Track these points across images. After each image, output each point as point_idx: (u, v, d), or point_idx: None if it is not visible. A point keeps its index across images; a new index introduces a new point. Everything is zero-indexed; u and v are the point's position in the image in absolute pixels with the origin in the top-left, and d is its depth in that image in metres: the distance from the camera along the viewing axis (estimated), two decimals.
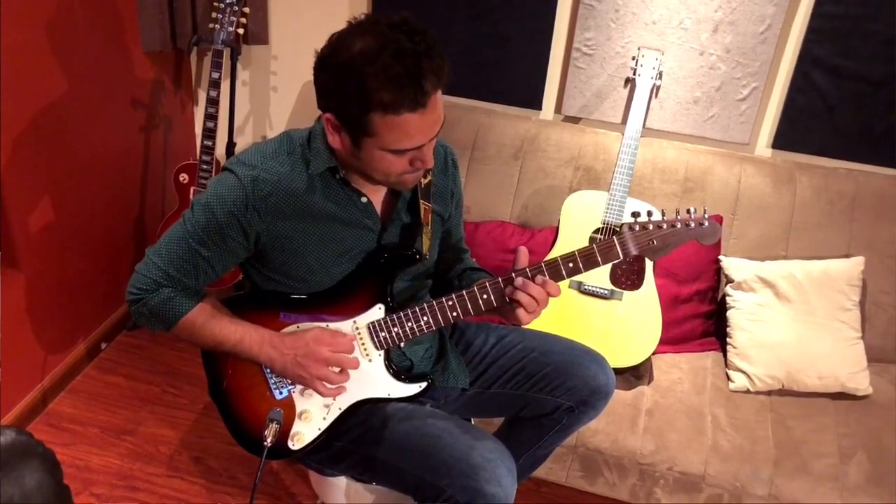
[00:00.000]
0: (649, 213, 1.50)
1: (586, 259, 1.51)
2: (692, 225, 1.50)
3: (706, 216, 1.51)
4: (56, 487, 1.26)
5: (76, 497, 1.37)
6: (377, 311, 1.59)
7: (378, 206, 1.59)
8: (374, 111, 1.34)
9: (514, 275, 1.51)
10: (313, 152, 1.50)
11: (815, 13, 2.31)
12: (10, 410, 2.36)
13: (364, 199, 1.55)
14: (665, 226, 1.49)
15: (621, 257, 1.50)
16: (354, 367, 1.58)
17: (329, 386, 1.57)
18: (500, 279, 1.52)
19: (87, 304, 2.68)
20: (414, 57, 1.32)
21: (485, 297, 1.53)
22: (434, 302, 1.55)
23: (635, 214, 1.50)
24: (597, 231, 2.26)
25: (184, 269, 1.51)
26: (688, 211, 1.51)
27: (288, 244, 1.53)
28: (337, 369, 1.57)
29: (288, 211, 1.50)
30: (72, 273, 2.55)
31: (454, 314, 1.55)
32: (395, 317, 1.58)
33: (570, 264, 1.51)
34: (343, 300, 1.59)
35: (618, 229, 1.51)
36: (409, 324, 1.57)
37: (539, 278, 1.50)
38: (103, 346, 2.78)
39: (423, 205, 1.61)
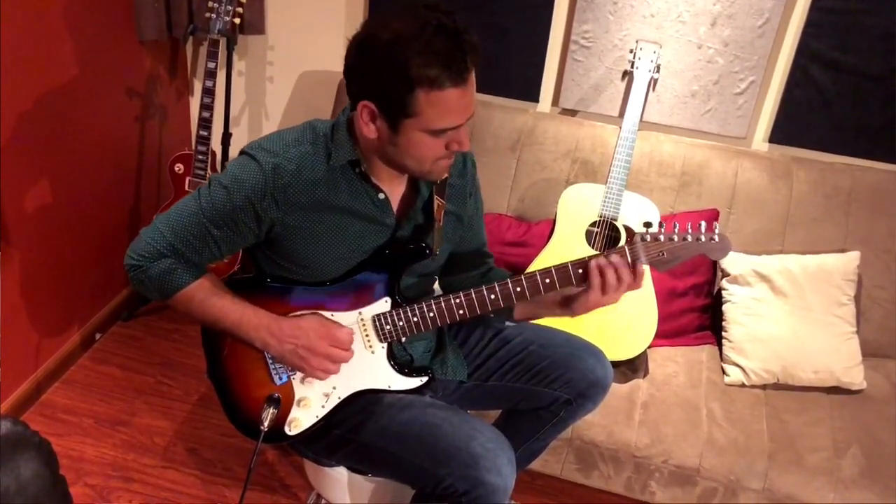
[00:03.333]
0: (661, 225, 1.50)
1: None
2: (703, 239, 1.49)
3: (717, 231, 1.51)
4: (52, 478, 1.26)
5: (70, 488, 1.36)
6: (383, 304, 1.59)
7: (395, 204, 1.58)
8: (418, 87, 1.33)
9: (523, 277, 1.51)
10: (336, 144, 1.50)
11: (814, 7, 2.30)
12: (4, 400, 2.35)
13: (382, 196, 1.54)
14: (676, 238, 1.49)
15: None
16: (348, 359, 1.58)
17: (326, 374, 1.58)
18: (508, 281, 1.52)
19: (82, 294, 2.67)
20: (455, 33, 1.33)
21: (492, 296, 1.53)
22: (441, 299, 1.55)
23: (647, 225, 1.50)
24: (593, 224, 2.26)
25: (191, 245, 1.50)
26: (699, 225, 1.50)
27: (301, 234, 1.52)
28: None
29: (305, 201, 1.49)
30: (66, 262, 2.54)
31: (461, 312, 1.55)
32: (400, 311, 1.58)
33: (580, 269, 1.51)
34: (350, 291, 1.58)
35: (629, 235, 1.51)
36: (415, 319, 1.57)
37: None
38: (98, 336, 2.77)
39: (436, 200, 1.60)
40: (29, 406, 2.46)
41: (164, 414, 2.50)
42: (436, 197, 1.60)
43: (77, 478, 2.24)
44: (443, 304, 1.55)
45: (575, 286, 1.53)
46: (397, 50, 1.32)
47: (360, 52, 1.38)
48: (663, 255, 1.50)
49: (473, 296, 1.54)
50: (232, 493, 2.25)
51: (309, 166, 1.48)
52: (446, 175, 1.61)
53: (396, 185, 1.58)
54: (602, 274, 1.48)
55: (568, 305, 1.57)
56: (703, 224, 1.51)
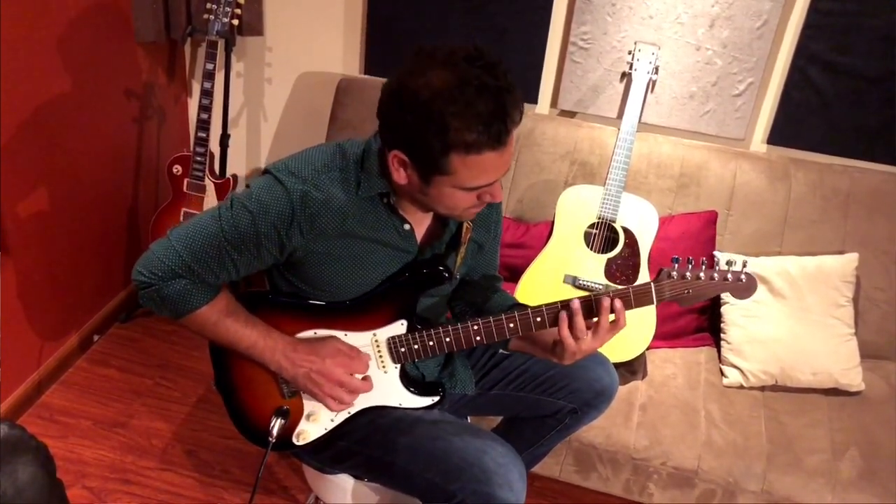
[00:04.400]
0: (689, 261, 1.48)
1: (619, 299, 1.48)
2: (730, 279, 1.49)
3: (744, 271, 1.50)
4: (49, 482, 1.26)
5: (68, 490, 1.36)
6: (399, 327, 1.56)
7: (420, 234, 1.56)
8: (454, 152, 1.29)
9: (544, 307, 1.49)
10: (366, 173, 1.45)
11: (812, 8, 2.30)
12: (3, 402, 2.35)
13: (407, 227, 1.52)
14: (703, 276, 1.48)
15: (654, 303, 1.49)
16: (367, 390, 1.57)
17: (339, 403, 1.57)
18: (529, 310, 1.50)
19: (80, 295, 2.67)
20: (497, 94, 1.27)
21: (511, 325, 1.51)
22: (459, 325, 1.52)
23: (674, 261, 1.48)
24: (592, 226, 2.26)
25: (208, 267, 1.45)
26: (728, 263, 1.50)
27: (323, 259, 1.48)
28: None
29: (330, 230, 1.45)
30: (64, 264, 2.54)
31: (478, 339, 1.53)
32: (416, 334, 1.55)
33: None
34: (366, 312, 1.56)
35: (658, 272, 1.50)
36: (431, 343, 1.55)
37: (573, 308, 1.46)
38: (96, 338, 2.77)
39: (465, 223, 1.58)
40: (28, 407, 2.46)
41: (162, 416, 2.50)
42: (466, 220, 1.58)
43: (75, 480, 2.24)
44: (461, 330, 1.53)
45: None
46: (435, 110, 1.26)
47: (395, 105, 1.33)
48: (688, 292, 1.49)
49: (492, 323, 1.51)
50: (230, 496, 2.25)
51: (337, 196, 1.43)
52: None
53: (424, 217, 1.55)
54: (566, 318, 1.46)
55: (554, 351, 1.53)
56: (732, 261, 1.50)
